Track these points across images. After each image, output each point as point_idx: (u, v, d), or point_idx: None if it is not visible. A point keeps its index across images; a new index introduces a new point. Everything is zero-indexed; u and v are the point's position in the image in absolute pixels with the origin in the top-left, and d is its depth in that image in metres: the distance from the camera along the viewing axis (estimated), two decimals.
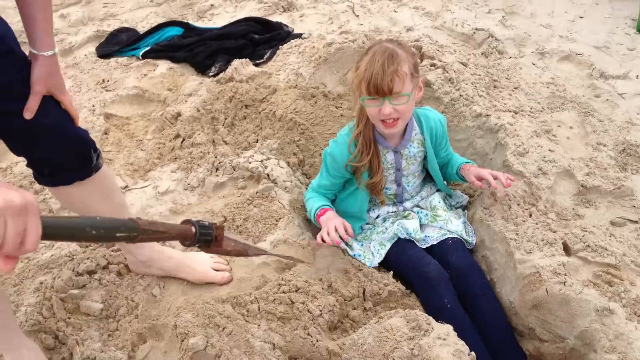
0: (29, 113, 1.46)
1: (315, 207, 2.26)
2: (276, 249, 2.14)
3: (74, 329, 1.89)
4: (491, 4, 4.25)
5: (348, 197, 2.31)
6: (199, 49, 3.60)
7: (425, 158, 2.30)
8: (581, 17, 4.13)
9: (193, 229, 1.23)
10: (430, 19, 3.97)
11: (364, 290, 2.08)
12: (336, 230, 2.10)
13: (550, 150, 2.49)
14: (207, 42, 3.67)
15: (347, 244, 2.26)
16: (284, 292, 1.94)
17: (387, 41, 2.08)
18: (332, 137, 2.27)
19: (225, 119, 2.89)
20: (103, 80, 3.43)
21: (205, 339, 1.66)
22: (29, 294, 1.99)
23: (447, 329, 1.64)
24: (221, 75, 3.20)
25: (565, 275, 1.92)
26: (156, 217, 2.33)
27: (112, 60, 3.65)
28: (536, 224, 2.14)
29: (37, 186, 2.48)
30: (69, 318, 1.92)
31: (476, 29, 3.67)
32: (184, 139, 2.79)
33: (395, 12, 4.11)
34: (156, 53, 3.62)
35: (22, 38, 1.47)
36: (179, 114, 2.92)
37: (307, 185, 2.58)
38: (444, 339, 1.58)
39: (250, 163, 2.54)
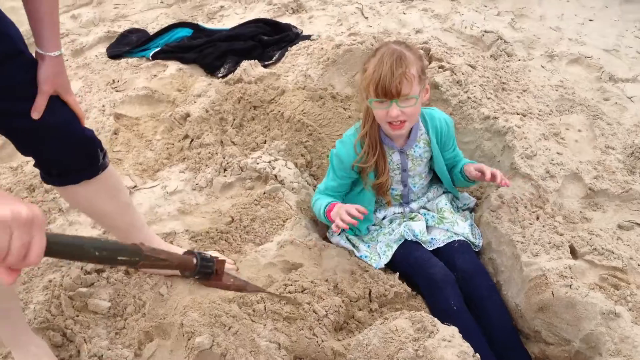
0: (36, 113, 1.47)
1: (324, 205, 2.22)
2: (283, 249, 2.15)
3: (82, 327, 1.91)
4: (500, 7, 4.24)
5: (354, 197, 2.31)
6: (209, 50, 3.62)
7: (431, 159, 2.30)
8: (591, 20, 4.11)
9: (194, 261, 1.24)
10: (439, 21, 3.97)
11: (370, 291, 2.09)
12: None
13: (558, 153, 2.48)
14: (216, 43, 3.69)
15: (354, 245, 2.27)
16: (290, 293, 1.95)
17: (395, 43, 2.07)
18: (339, 138, 2.27)
19: (234, 119, 2.91)
20: (113, 80, 3.46)
21: (211, 338, 1.67)
22: (37, 291, 2.01)
23: (453, 330, 1.63)
24: (230, 76, 3.22)
25: (571, 278, 1.92)
26: (164, 217, 2.35)
27: (123, 60, 3.68)
28: (543, 226, 2.14)
29: (47, 185, 2.49)
30: (77, 316, 1.94)
31: (485, 32, 3.67)
32: (192, 140, 2.80)
33: (404, 14, 4.10)
34: (166, 54, 3.64)
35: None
36: (187, 115, 2.94)
37: (315, 186, 2.58)
38: (449, 341, 1.58)
39: (258, 164, 2.56)
